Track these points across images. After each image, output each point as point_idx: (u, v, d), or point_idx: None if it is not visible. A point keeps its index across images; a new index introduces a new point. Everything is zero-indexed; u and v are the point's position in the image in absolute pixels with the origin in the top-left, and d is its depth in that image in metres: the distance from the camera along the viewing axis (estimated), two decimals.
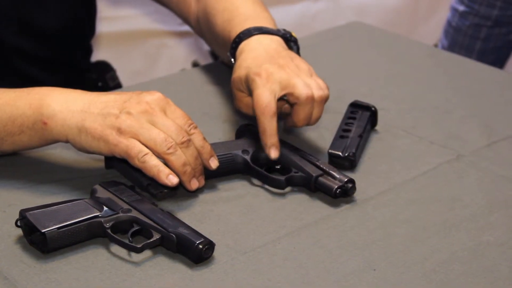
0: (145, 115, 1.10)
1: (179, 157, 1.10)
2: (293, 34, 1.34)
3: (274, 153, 1.19)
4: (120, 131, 1.09)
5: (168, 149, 1.09)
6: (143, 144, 1.09)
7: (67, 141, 1.14)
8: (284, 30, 1.33)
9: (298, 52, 1.34)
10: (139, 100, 1.12)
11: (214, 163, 1.15)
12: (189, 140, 1.12)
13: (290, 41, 1.33)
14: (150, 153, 1.09)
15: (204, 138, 1.15)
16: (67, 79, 1.56)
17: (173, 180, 1.10)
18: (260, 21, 1.33)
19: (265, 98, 1.18)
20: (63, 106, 1.12)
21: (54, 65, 1.55)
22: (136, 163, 1.09)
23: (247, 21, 1.33)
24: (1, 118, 1.15)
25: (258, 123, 1.19)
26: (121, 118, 1.10)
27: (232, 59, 1.32)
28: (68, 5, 1.51)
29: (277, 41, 1.29)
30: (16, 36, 1.47)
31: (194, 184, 1.13)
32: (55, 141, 1.15)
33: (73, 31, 1.54)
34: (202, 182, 1.15)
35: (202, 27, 1.48)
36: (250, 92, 1.22)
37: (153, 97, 1.13)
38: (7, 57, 1.48)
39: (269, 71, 1.20)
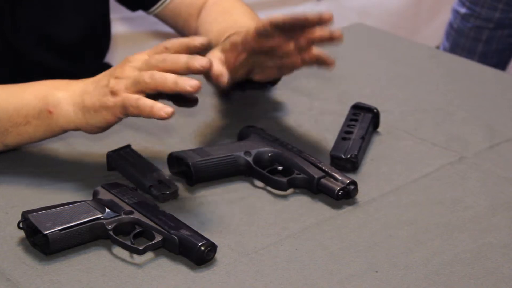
0: (129, 69, 1.12)
1: (159, 77, 1.09)
2: None
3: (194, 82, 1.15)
4: (113, 93, 1.11)
5: (150, 78, 1.09)
6: (136, 90, 1.10)
7: (76, 128, 1.15)
8: None
9: None
10: (123, 63, 1.14)
11: (199, 40, 1.13)
12: (168, 54, 1.11)
13: None
14: (142, 96, 1.10)
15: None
16: None
17: (167, 110, 1.08)
18: None
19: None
20: (66, 93, 1.15)
21: (71, 78, 1.56)
22: (132, 111, 1.10)
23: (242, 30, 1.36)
24: (6, 109, 1.16)
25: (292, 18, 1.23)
26: (111, 83, 1.12)
27: None
28: (87, 18, 1.52)
29: None
30: (35, 48, 1.48)
31: (192, 83, 1.09)
32: (62, 130, 1.16)
33: (91, 43, 1.56)
34: (204, 62, 1.11)
35: (196, 35, 1.51)
36: (235, 47, 1.25)
37: (135, 55, 1.14)
38: (26, 69, 1.49)
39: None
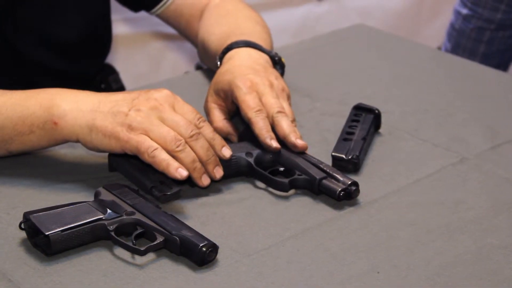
0: (154, 111, 1.12)
1: (188, 154, 1.12)
2: (283, 60, 1.40)
3: (275, 143, 1.20)
4: (130, 128, 1.11)
5: (178, 146, 1.11)
6: (154, 140, 1.11)
7: (77, 141, 1.15)
8: (276, 54, 1.39)
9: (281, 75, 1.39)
10: (148, 97, 1.13)
11: (227, 152, 1.17)
12: (198, 133, 1.13)
13: (277, 64, 1.38)
14: (160, 148, 1.11)
15: (214, 131, 1.17)
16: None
17: (182, 173, 1.11)
18: (256, 40, 1.39)
19: (256, 102, 1.23)
20: (73, 106, 1.14)
21: (72, 80, 1.56)
22: (146, 158, 1.11)
23: (244, 36, 1.39)
24: (11, 118, 1.16)
25: (253, 123, 1.21)
26: (131, 116, 1.11)
27: (219, 62, 1.37)
28: (87, 18, 1.52)
29: (265, 58, 1.36)
30: (35, 48, 1.48)
31: (205, 180, 1.14)
32: (64, 141, 1.17)
33: (91, 44, 1.56)
34: (220, 172, 1.16)
35: (199, 40, 1.51)
36: (226, 97, 1.27)
37: (162, 94, 1.15)
38: (26, 69, 1.49)
39: (254, 81, 1.26)
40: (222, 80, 1.28)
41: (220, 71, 1.32)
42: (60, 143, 1.18)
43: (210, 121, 1.28)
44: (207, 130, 1.15)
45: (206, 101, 1.31)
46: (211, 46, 1.45)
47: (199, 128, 1.14)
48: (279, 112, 1.23)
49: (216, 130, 1.22)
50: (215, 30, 1.47)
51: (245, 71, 1.28)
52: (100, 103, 1.14)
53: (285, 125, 1.22)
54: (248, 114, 1.22)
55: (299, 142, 1.21)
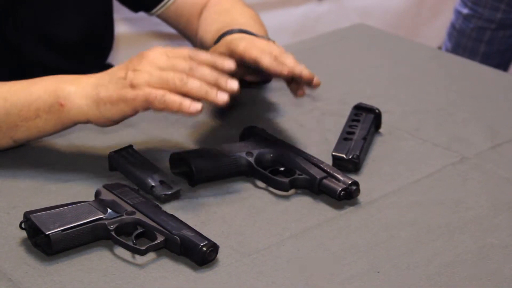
0: (149, 65, 1.13)
1: (193, 83, 1.11)
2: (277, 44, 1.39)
3: (286, 68, 1.21)
4: (133, 86, 1.12)
5: (181, 81, 1.11)
6: (160, 87, 1.12)
7: (87, 121, 1.16)
8: (270, 40, 1.37)
9: None
10: (140, 57, 1.15)
11: (230, 64, 1.15)
12: (196, 64, 1.13)
13: None
14: (168, 92, 1.11)
15: (211, 54, 1.16)
16: None
17: (197, 106, 1.11)
18: (251, 31, 1.39)
19: (259, 47, 1.24)
20: (77, 87, 1.15)
21: None
22: (158, 105, 1.11)
23: (239, 27, 1.38)
24: (15, 104, 1.17)
25: (261, 61, 1.21)
26: (129, 76, 1.13)
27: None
28: (87, 17, 1.52)
29: None
30: (36, 48, 1.48)
31: (223, 96, 1.12)
32: (73, 123, 1.17)
33: (92, 43, 1.56)
34: (235, 83, 1.14)
35: (198, 39, 1.51)
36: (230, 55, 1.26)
37: (152, 51, 1.15)
38: (27, 69, 1.49)
39: (251, 39, 1.28)
40: (219, 46, 1.29)
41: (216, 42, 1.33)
42: (67, 127, 1.18)
43: None
44: (202, 55, 1.15)
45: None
46: (207, 43, 1.45)
47: (195, 57, 1.14)
48: (282, 52, 1.24)
49: None
50: (212, 28, 1.47)
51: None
52: (99, 78, 1.15)
53: (289, 60, 1.23)
54: (253, 53, 1.22)
55: (306, 72, 1.22)
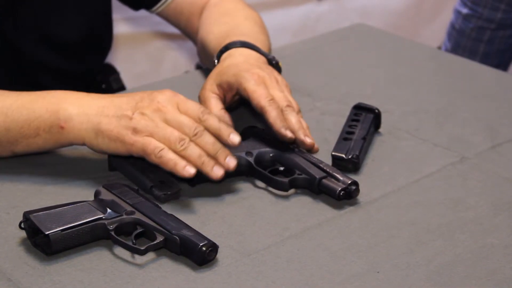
0: (158, 113, 1.13)
1: (193, 151, 1.12)
2: (280, 63, 1.40)
3: (290, 133, 1.22)
4: (135, 131, 1.12)
5: (182, 145, 1.11)
6: (160, 141, 1.12)
7: (83, 144, 1.16)
8: (274, 57, 1.39)
9: None
10: (151, 100, 1.14)
11: (235, 139, 1.15)
12: (202, 130, 1.13)
13: (274, 67, 1.37)
14: (166, 148, 1.11)
15: (219, 120, 1.16)
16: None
17: (190, 170, 1.11)
18: (254, 41, 1.40)
19: (267, 92, 1.24)
20: (79, 110, 1.15)
21: (73, 78, 1.56)
22: (153, 159, 1.11)
23: (242, 37, 1.40)
24: (17, 121, 1.16)
25: (267, 112, 1.22)
26: (135, 119, 1.12)
27: (216, 61, 1.37)
28: (87, 17, 1.52)
29: (263, 60, 1.36)
30: (36, 47, 1.48)
31: (218, 172, 1.13)
32: (70, 144, 1.17)
33: (92, 43, 1.56)
34: (233, 161, 1.14)
35: (198, 38, 1.51)
36: (230, 89, 1.28)
37: (165, 96, 1.15)
38: (27, 68, 1.49)
39: (261, 75, 1.27)
40: (227, 73, 1.28)
41: (222, 65, 1.32)
42: (65, 146, 1.19)
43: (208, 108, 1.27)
44: (212, 120, 1.15)
45: (204, 90, 1.30)
46: (210, 45, 1.45)
47: (203, 120, 1.14)
48: (287, 106, 1.24)
49: None
50: (214, 29, 1.47)
51: (250, 66, 1.29)
52: (105, 107, 1.14)
53: (293, 120, 1.23)
54: (261, 102, 1.23)
55: (308, 140, 1.23)
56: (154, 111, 1.13)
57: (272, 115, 1.22)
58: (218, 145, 1.14)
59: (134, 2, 1.61)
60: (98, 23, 1.57)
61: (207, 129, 1.14)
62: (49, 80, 1.51)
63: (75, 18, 1.50)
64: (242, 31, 1.43)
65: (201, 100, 1.29)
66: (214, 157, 1.13)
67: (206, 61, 1.53)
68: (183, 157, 1.11)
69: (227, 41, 1.38)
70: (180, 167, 1.11)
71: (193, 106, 1.15)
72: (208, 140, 1.13)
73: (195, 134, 1.12)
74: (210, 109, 1.26)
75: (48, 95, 1.18)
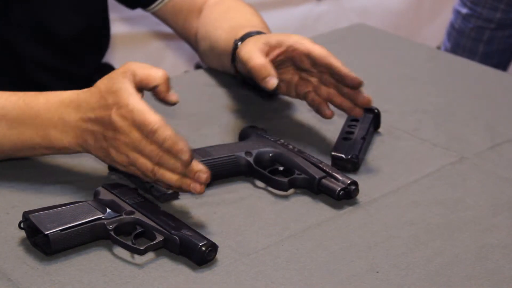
0: (125, 147, 1.09)
1: (167, 177, 1.09)
2: None
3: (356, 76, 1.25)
4: (120, 164, 1.11)
5: (155, 175, 1.09)
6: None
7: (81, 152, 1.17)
8: None
9: None
10: (110, 128, 1.09)
11: (187, 156, 1.08)
12: (161, 155, 1.08)
13: None
14: (158, 170, 1.09)
15: (165, 138, 1.08)
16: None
17: (196, 188, 1.09)
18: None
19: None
20: (65, 135, 1.13)
21: (70, 77, 1.55)
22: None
23: (256, 29, 1.38)
24: (9, 138, 1.15)
25: (335, 62, 1.25)
26: (112, 153, 1.10)
27: (239, 42, 1.35)
28: (84, 14, 1.51)
29: None
30: (30, 43, 1.47)
31: (197, 188, 1.09)
32: (68, 152, 1.17)
33: (89, 41, 1.55)
34: (203, 175, 1.08)
35: (202, 36, 1.50)
36: (279, 45, 1.27)
37: (122, 120, 1.08)
38: (20, 64, 1.48)
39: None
40: (273, 35, 1.29)
41: (248, 41, 1.31)
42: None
43: (249, 60, 1.25)
44: (161, 137, 1.08)
45: (247, 47, 1.28)
46: (220, 40, 1.44)
47: (153, 136, 1.08)
48: None
49: (256, 67, 1.23)
50: (223, 25, 1.46)
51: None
52: (83, 132, 1.12)
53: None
54: (325, 51, 1.26)
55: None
56: (121, 145, 1.09)
57: (339, 62, 1.25)
58: (181, 165, 1.08)
59: (131, 1, 1.60)
60: (94, 20, 1.56)
61: (160, 143, 1.08)
62: (46, 79, 1.51)
63: (71, 15, 1.49)
64: (253, 24, 1.42)
65: (245, 58, 1.27)
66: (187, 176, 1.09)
67: (211, 58, 1.52)
68: (161, 183, 1.10)
69: (242, 32, 1.37)
70: (185, 188, 1.09)
71: (144, 122, 1.08)
72: (172, 163, 1.08)
73: (159, 162, 1.09)
74: (253, 60, 1.25)
75: (36, 120, 1.15)
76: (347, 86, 1.26)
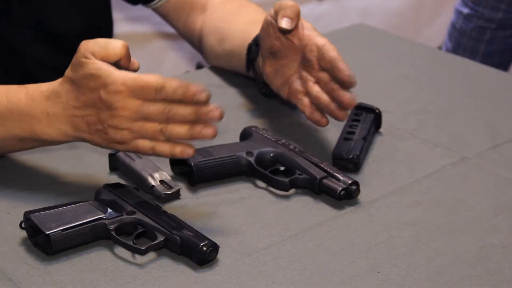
0: (124, 120, 1.07)
1: (173, 132, 1.06)
2: None
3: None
4: (120, 142, 1.08)
5: (163, 135, 1.06)
6: (147, 139, 1.08)
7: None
8: None
9: None
10: (107, 108, 1.07)
11: (204, 96, 1.06)
12: (169, 108, 1.05)
13: None
14: (154, 144, 1.07)
15: (173, 90, 1.06)
16: None
17: (188, 151, 1.07)
18: None
19: None
20: (52, 130, 1.11)
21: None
22: (151, 155, 1.09)
23: None
24: None
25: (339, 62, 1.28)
26: (110, 133, 1.08)
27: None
28: (85, 13, 1.50)
29: None
30: (31, 43, 1.47)
31: (209, 132, 1.06)
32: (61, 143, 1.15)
33: (91, 38, 1.54)
34: (216, 111, 1.06)
35: (206, 32, 1.50)
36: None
37: (116, 96, 1.06)
38: (20, 64, 1.48)
39: None
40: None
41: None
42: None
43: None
44: (174, 84, 1.05)
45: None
46: (236, 32, 1.43)
47: (165, 92, 1.05)
48: None
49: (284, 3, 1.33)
50: (238, 19, 1.44)
51: None
52: (77, 123, 1.09)
53: None
54: (341, 64, 1.28)
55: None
56: (119, 118, 1.07)
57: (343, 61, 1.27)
58: (193, 109, 1.06)
59: None
60: (95, 20, 1.55)
61: (171, 96, 1.06)
62: (47, 77, 1.51)
63: (71, 14, 1.48)
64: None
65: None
66: (198, 121, 1.06)
67: (219, 53, 1.50)
68: (173, 141, 1.07)
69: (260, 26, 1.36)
70: (177, 153, 1.07)
71: (147, 81, 1.06)
72: (182, 112, 1.06)
73: (167, 118, 1.06)
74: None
75: (20, 117, 1.12)
76: (341, 83, 1.24)
